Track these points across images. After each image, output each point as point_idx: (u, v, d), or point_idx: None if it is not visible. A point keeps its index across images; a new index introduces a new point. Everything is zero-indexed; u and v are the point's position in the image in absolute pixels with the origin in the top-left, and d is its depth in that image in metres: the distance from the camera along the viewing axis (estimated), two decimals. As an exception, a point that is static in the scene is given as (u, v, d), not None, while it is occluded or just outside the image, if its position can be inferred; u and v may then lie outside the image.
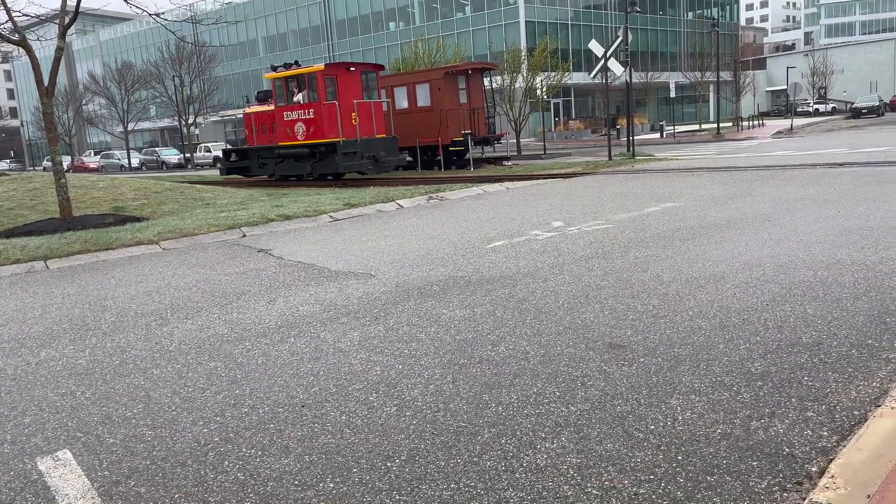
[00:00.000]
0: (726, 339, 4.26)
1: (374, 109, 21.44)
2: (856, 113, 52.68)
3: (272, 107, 22.20)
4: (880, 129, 33.70)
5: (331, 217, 12.02)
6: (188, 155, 50.30)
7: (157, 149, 57.14)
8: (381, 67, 23.35)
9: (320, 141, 20.36)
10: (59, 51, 12.24)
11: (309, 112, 20.58)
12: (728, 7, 73.35)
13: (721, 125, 40.60)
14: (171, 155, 52.25)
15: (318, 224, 11.50)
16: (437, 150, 24.34)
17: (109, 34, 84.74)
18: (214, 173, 37.30)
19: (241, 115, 27.60)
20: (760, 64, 77.45)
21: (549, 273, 6.45)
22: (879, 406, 3.10)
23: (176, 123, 53.90)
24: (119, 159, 54.75)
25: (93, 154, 63.05)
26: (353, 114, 20.54)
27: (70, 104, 59.70)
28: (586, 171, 18.12)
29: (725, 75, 47.46)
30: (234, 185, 22.72)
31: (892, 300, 4.79)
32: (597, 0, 59.65)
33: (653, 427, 3.18)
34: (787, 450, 2.88)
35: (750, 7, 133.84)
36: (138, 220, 12.85)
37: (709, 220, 8.85)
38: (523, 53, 36.09)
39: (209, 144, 51.40)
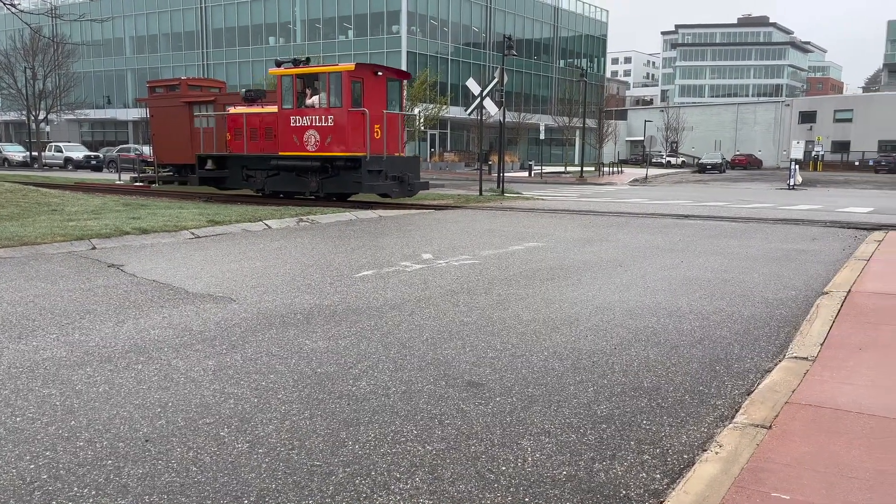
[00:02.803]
0: (577, 381, 4.48)
1: (400, 123, 18.84)
2: (702, 168, 57.71)
3: (270, 108, 19.01)
4: (722, 184, 37.09)
5: (192, 234, 11.50)
6: (35, 153, 46.35)
7: (-1, 144, 52.24)
8: (408, 76, 20.36)
9: (339, 154, 17.43)
10: None
11: (327, 119, 17.48)
12: (596, 59, 78.42)
13: (584, 169, 43.07)
14: (16, 152, 47.96)
15: (177, 240, 10.96)
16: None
17: (-48, 14, 77.14)
18: (65, 175, 34.61)
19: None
20: (622, 115, 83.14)
21: (416, 306, 6.51)
22: (706, 451, 3.37)
23: (24, 118, 49.58)
24: (-48, 152, 49.54)
25: (-80, 143, 56.63)
26: (377, 126, 17.71)
27: None
28: (458, 205, 18.55)
29: (591, 122, 50.53)
30: (86, 191, 21.20)
31: (720, 349, 5.25)
32: (476, 39, 61.79)
33: (504, 468, 3.28)
34: (623, 492, 3.07)
35: (615, 62, 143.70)
36: (-29, 222, 11.66)
37: (568, 261, 9.32)
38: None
39: (61, 144, 47.71)
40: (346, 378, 4.49)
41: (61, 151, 45.44)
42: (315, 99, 17.83)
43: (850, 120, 69.49)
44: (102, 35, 66.37)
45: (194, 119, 27.23)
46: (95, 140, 67.69)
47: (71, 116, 56.65)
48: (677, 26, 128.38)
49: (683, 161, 68.63)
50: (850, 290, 7.05)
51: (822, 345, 5.11)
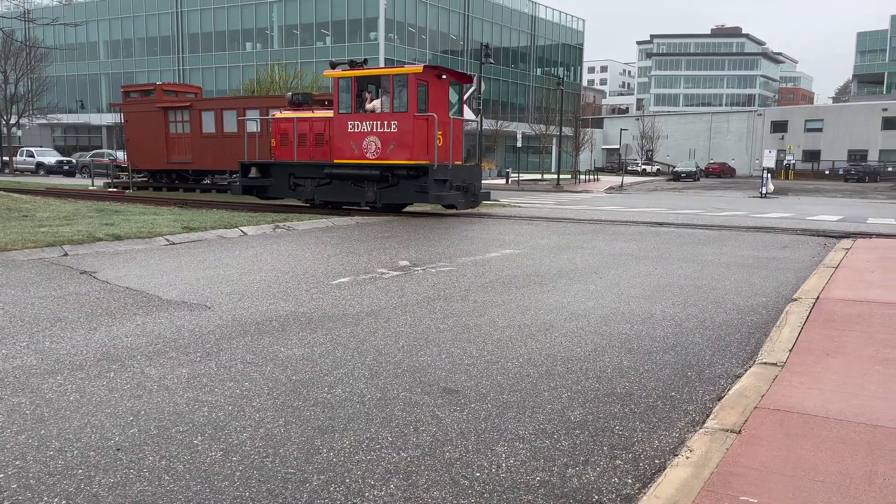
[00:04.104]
0: (551, 388, 4.52)
1: (461, 130, 17.98)
2: (676, 176, 58.47)
3: (321, 113, 18.15)
4: (696, 192, 37.58)
5: (167, 240, 11.39)
6: (6, 158, 45.57)
7: (-32, 148, 51.27)
8: (470, 79, 19.12)
9: (401, 162, 16.37)
10: None
11: (390, 125, 16.44)
12: (573, 68, 79.12)
13: (561, 177, 43.35)
14: (-14, 156, 47.14)
15: (152, 247, 10.85)
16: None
17: (-79, 15, 75.73)
18: (37, 180, 34.08)
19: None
20: (598, 123, 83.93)
21: (392, 313, 6.52)
22: (677, 455, 3.42)
23: (-5, 122, 48.77)
24: (-80, 156, 48.54)
25: None
26: (440, 133, 16.74)
27: None
28: (435, 212, 18.57)
29: (567, 130, 50.90)
30: (58, 196, 20.90)
31: (692, 355, 5.33)
32: (454, 46, 62.03)
33: (478, 474, 3.30)
34: (596, 497, 3.10)
35: (592, 70, 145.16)
36: (-62, 228, 11.44)
37: (544, 268, 9.39)
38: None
39: (33, 149, 46.98)
40: (321, 385, 4.49)
41: (33, 156, 44.76)
42: (376, 103, 16.83)
43: (820, 130, 70.88)
44: (76, 39, 65.52)
45: (170, 125, 27.08)
46: (68, 145, 66.76)
47: (43, 121, 55.85)
48: (652, 36, 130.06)
49: (658, 169, 69.41)
50: (818, 297, 7.19)
51: (790, 351, 5.21)
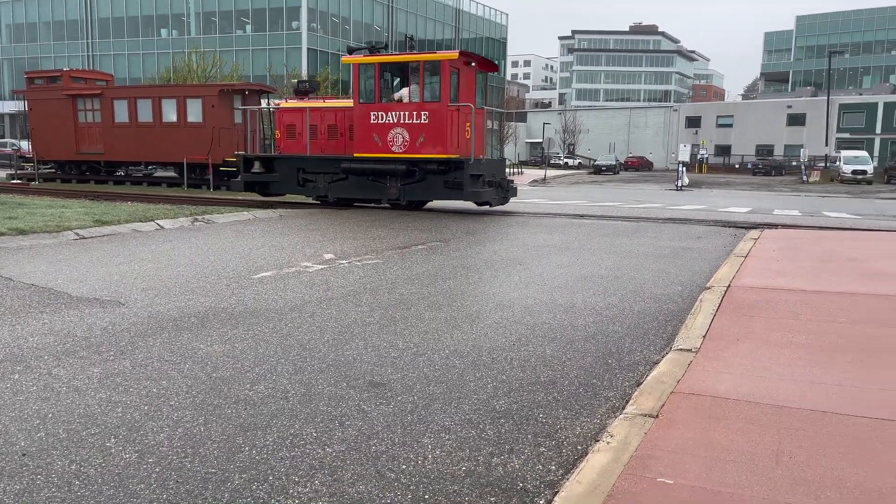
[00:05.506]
0: (477, 378, 4.56)
1: (486, 121, 17.12)
2: (597, 169, 60.01)
3: (333, 102, 17.14)
4: (616, 185, 38.67)
5: (77, 234, 10.85)
6: None
7: None
8: (496, 68, 17.89)
9: (432, 156, 15.20)
10: None
11: (419, 115, 15.18)
12: (496, 62, 79.76)
13: (486, 169, 43.66)
14: None
15: (60, 241, 10.32)
16: (207, 169, 23.19)
17: None
18: (-70, 172, 31.80)
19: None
20: (522, 117, 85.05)
21: (317, 307, 6.42)
22: (598, 441, 3.51)
23: None
24: None
25: None
26: (468, 125, 15.67)
27: None
28: (361, 205, 18.39)
29: (491, 124, 51.32)
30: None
31: (613, 343, 5.48)
32: (378, 38, 61.47)
33: (404, 467, 3.29)
34: (521, 484, 3.15)
35: (515, 64, 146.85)
36: None
37: (469, 260, 9.46)
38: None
39: (-74, 137, 43.85)
40: (242, 382, 4.37)
41: (-75, 145, 41.75)
42: (404, 92, 15.63)
43: (730, 125, 74.14)
44: (-27, 20, 61.51)
45: (79, 113, 25.79)
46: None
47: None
48: (574, 32, 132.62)
49: (580, 163, 71.01)
50: (729, 285, 7.52)
51: (704, 337, 5.43)
